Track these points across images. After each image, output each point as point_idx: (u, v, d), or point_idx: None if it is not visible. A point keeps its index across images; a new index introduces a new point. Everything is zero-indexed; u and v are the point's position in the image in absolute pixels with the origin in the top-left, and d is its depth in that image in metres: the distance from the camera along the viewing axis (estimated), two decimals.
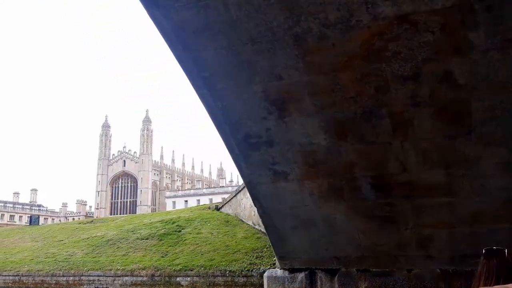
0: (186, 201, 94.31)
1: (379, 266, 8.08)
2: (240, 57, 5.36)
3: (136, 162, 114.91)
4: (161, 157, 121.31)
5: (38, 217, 37.64)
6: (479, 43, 4.55)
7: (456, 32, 4.52)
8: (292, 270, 9.56)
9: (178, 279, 17.05)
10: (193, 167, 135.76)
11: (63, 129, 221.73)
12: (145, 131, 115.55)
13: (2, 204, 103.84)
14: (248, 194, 23.10)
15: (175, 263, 17.79)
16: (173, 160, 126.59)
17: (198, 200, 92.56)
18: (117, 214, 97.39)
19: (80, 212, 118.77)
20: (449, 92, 5.14)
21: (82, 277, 18.91)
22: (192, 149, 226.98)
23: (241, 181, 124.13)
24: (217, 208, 26.17)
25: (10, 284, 20.46)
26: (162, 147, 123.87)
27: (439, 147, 5.85)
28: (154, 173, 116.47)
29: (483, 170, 5.90)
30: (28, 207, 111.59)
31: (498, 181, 5.98)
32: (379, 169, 6.46)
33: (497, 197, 6.16)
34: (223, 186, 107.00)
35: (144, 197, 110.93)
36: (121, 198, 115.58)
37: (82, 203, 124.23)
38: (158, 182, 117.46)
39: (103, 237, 22.87)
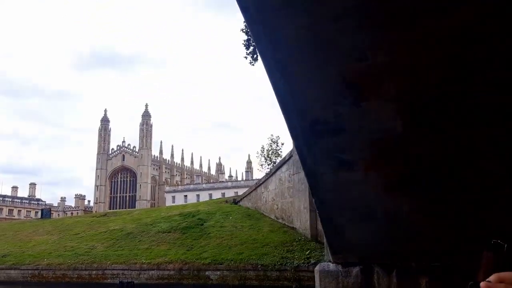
0: (186, 196, 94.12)
1: (440, 261, 7.81)
2: (320, 36, 5.01)
3: (135, 157, 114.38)
4: (160, 152, 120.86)
5: (50, 210, 37.05)
6: None
7: None
8: (346, 264, 9.29)
9: (207, 273, 16.67)
10: (192, 162, 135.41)
11: (62, 124, 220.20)
12: (145, 126, 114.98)
13: (1, 199, 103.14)
14: (269, 188, 22.82)
15: (202, 256, 17.40)
16: (172, 155, 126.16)
17: (198, 195, 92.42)
18: (116, 208, 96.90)
19: (78, 207, 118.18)
20: None
21: (105, 271, 18.47)
22: (190, 144, 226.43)
23: (240, 177, 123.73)
24: (235, 202, 25.78)
25: (29, 278, 19.99)
26: (161, 142, 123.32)
27: None
28: (153, 168, 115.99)
29: None
30: (27, 201, 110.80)
31: None
32: (450, 161, 6.17)
33: None
34: (222, 181, 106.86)
35: (144, 192, 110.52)
36: (120, 193, 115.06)
37: (80, 197, 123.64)
38: (157, 177, 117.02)
39: (122, 231, 22.44)
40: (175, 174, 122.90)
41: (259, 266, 15.80)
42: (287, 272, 15.24)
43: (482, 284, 0.83)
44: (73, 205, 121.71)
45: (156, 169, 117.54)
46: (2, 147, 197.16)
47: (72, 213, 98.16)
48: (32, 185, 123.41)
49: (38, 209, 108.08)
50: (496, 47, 4.57)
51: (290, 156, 20.17)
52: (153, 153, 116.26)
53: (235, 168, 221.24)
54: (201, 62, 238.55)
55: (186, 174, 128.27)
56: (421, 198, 6.95)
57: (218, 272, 16.50)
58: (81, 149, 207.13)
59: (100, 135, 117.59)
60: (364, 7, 4.57)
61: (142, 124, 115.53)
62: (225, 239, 18.96)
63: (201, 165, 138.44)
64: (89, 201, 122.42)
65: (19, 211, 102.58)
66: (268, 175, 23.01)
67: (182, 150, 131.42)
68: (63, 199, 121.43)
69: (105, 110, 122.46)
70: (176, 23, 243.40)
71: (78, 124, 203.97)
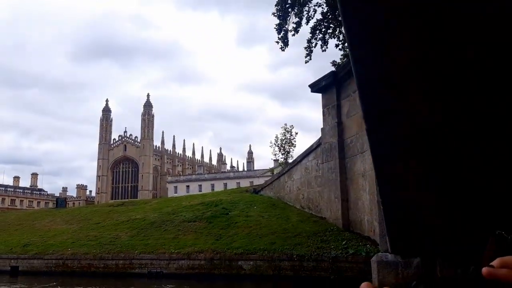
0: (188, 186, 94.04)
1: None
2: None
3: (137, 147, 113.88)
4: (162, 142, 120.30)
5: (65, 199, 36.68)
6: None
7: None
8: (405, 255, 8.98)
9: (239, 262, 16.36)
10: (193, 153, 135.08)
11: (63, 115, 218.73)
12: (146, 116, 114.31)
13: (3, 189, 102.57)
14: (294, 177, 22.48)
15: (233, 246, 17.09)
16: (173, 145, 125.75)
17: (200, 186, 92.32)
18: (118, 199, 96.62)
19: (80, 197, 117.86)
20: None
21: (133, 261, 18.15)
22: (192, 135, 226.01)
23: (241, 167, 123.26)
24: (255, 191, 25.48)
25: (53, 268, 19.65)
26: (163, 132, 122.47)
27: None
28: (155, 158, 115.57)
29: None
30: (29, 191, 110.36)
31: None
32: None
33: None
34: (224, 172, 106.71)
35: (146, 182, 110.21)
36: (122, 183, 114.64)
37: (82, 187, 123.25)
38: (159, 167, 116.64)
39: (144, 220, 22.09)
40: (176, 165, 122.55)
41: (295, 256, 15.48)
42: (324, 262, 14.93)
43: (484, 269, 0.79)
44: (74, 195, 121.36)
45: (158, 160, 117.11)
46: (2, 137, 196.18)
47: (73, 203, 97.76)
48: (34, 175, 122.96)
49: (40, 199, 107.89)
50: None
51: (318, 144, 19.77)
52: (154, 144, 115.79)
53: (236, 158, 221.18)
54: (200, 57, 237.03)
55: (188, 164, 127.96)
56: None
57: (251, 262, 16.19)
58: (82, 140, 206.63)
59: (101, 125, 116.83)
60: None
61: (143, 114, 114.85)
62: (254, 228, 18.64)
63: (202, 156, 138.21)
64: (90, 191, 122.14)
65: (21, 201, 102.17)
66: (293, 164, 22.66)
67: (184, 141, 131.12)
68: (64, 189, 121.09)
69: (107, 100, 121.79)
70: (179, 11, 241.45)
71: (79, 114, 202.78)
